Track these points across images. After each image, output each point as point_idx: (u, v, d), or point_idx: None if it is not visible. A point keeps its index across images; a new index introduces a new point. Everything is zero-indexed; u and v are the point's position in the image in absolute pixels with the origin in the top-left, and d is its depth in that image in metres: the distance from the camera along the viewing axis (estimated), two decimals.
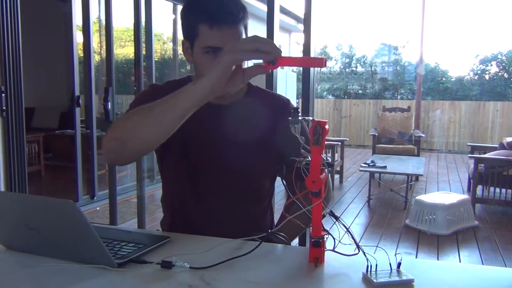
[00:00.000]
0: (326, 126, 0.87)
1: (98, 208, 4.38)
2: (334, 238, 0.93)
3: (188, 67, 6.95)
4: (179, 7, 5.55)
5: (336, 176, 6.08)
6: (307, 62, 0.90)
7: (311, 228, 0.93)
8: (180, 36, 6.02)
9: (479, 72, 13.38)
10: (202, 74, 1.11)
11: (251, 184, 1.27)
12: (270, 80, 2.35)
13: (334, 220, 0.94)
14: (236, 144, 1.22)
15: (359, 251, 0.90)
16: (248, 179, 1.25)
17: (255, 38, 0.92)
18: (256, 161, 1.24)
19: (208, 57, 1.11)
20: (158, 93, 1.15)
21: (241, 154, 1.21)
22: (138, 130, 0.98)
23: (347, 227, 0.92)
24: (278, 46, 0.92)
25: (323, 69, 14.56)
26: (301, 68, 2.43)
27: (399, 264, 0.86)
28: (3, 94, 2.69)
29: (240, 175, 1.22)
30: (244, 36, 1.13)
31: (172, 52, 6.61)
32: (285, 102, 1.31)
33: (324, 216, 0.94)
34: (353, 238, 0.90)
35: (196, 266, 0.87)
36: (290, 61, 0.97)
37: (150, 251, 0.96)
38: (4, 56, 2.68)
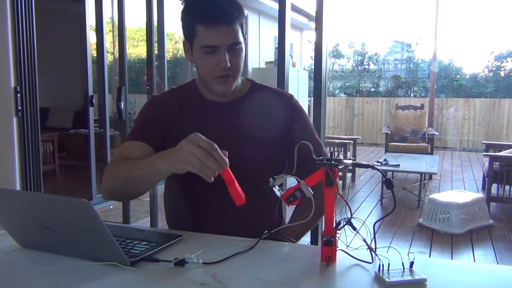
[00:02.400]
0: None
1: (111, 207, 4.42)
2: (347, 246, 0.93)
3: None
4: None
5: (349, 175, 6.05)
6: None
7: (323, 227, 0.92)
8: None
9: (494, 68, 13.18)
10: (202, 73, 1.22)
11: (257, 180, 1.27)
12: (282, 78, 2.35)
13: (346, 223, 0.94)
14: (240, 140, 1.24)
15: (372, 260, 0.89)
16: (254, 175, 1.25)
17: (208, 155, 0.97)
18: (262, 157, 1.25)
19: (208, 56, 1.16)
20: (160, 105, 1.28)
21: (246, 150, 1.23)
22: (126, 188, 1.15)
23: (364, 238, 0.91)
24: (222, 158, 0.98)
25: (336, 67, 14.50)
26: (312, 66, 2.43)
27: (411, 264, 0.85)
28: (19, 95, 2.73)
29: (247, 171, 1.22)
30: (240, 34, 1.17)
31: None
32: (288, 97, 1.33)
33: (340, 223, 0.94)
34: (369, 248, 0.90)
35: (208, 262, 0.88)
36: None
37: (162, 250, 0.97)
38: (19, 57, 2.72)
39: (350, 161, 0.93)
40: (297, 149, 0.96)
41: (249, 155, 1.23)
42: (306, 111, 1.37)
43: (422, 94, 12.83)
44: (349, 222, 0.92)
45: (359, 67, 14.35)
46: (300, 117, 1.31)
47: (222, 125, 1.25)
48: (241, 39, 1.17)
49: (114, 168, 1.18)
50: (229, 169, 0.99)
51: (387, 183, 0.91)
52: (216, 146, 0.98)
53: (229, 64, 1.16)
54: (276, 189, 0.98)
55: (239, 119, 1.25)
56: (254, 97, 1.29)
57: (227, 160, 0.98)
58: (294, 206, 1.25)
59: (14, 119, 2.74)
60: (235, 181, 1.00)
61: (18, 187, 2.77)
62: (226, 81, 1.19)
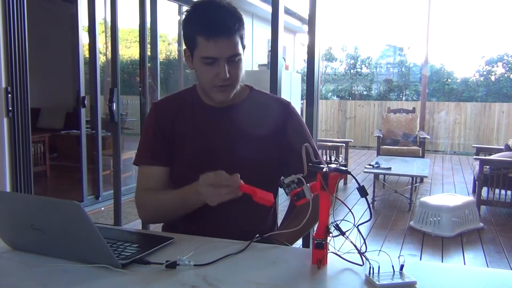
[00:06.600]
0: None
1: (102, 208, 4.39)
2: (338, 252, 0.93)
3: None
4: (185, 8, 5.56)
5: None
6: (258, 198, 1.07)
7: (315, 230, 0.93)
8: None
9: (485, 73, 13.29)
10: (202, 82, 1.25)
11: (253, 184, 1.27)
12: (275, 81, 2.35)
13: (334, 227, 0.94)
14: (236, 144, 1.25)
15: (363, 263, 0.90)
16: (250, 179, 1.25)
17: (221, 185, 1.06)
18: (257, 161, 1.26)
19: (207, 67, 1.18)
20: (160, 113, 1.32)
21: (241, 154, 1.25)
22: (165, 217, 1.30)
23: (354, 243, 0.92)
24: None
25: (328, 70, 14.55)
26: (305, 69, 2.44)
27: (402, 266, 0.86)
28: (9, 95, 2.70)
29: (243, 176, 1.23)
30: (240, 46, 1.19)
31: (177, 53, 6.62)
32: (285, 104, 1.35)
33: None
34: (359, 251, 0.90)
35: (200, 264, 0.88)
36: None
37: (153, 252, 0.97)
38: (10, 57, 2.70)
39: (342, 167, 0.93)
40: (297, 153, 0.97)
41: (245, 159, 1.24)
42: (299, 114, 1.40)
43: (414, 98, 12.90)
44: (337, 227, 0.93)
45: (352, 71, 14.40)
46: (296, 124, 1.34)
47: (219, 130, 1.27)
48: (241, 50, 1.20)
49: (148, 203, 1.27)
50: (243, 183, 1.06)
51: (361, 191, 0.94)
52: (222, 173, 1.07)
53: (228, 75, 1.18)
54: (286, 187, 0.99)
55: (236, 123, 1.27)
56: (252, 103, 1.32)
57: (237, 179, 1.06)
58: (287, 211, 1.25)
59: (5, 120, 2.71)
60: (256, 189, 1.06)
61: (8, 189, 2.75)
62: (225, 90, 1.22)
